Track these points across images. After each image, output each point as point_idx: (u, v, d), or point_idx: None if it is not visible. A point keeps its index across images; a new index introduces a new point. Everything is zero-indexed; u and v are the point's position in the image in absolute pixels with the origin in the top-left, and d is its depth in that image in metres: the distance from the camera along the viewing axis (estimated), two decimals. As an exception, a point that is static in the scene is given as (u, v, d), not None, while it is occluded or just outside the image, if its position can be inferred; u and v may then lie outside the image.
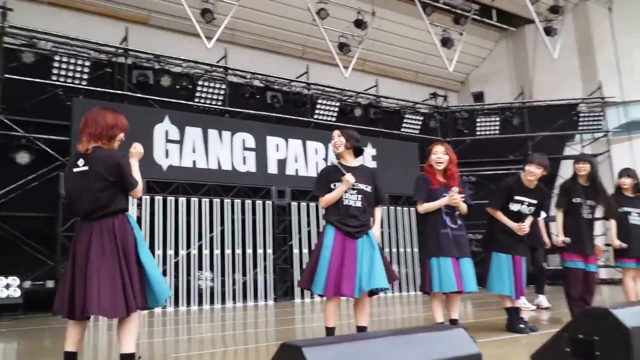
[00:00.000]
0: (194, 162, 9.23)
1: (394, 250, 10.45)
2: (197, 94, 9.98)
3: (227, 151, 9.59)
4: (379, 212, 3.84)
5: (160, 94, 9.72)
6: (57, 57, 8.68)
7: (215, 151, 9.43)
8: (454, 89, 15.40)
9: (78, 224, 3.00)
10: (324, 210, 3.83)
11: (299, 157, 10.25)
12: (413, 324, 5.45)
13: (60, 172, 8.11)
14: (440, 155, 4.01)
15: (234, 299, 8.72)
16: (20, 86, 8.79)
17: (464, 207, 4.03)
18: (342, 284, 3.52)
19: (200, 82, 9.97)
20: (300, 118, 10.97)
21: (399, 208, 10.67)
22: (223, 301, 8.78)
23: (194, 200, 8.82)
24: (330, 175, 3.74)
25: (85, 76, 8.96)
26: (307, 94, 11.08)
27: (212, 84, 10.02)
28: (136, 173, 3.05)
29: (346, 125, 9.30)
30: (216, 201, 8.99)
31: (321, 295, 3.64)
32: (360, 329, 3.70)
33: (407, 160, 11.17)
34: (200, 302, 8.56)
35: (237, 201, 9.11)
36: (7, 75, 8.48)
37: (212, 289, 8.74)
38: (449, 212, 3.98)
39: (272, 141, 9.91)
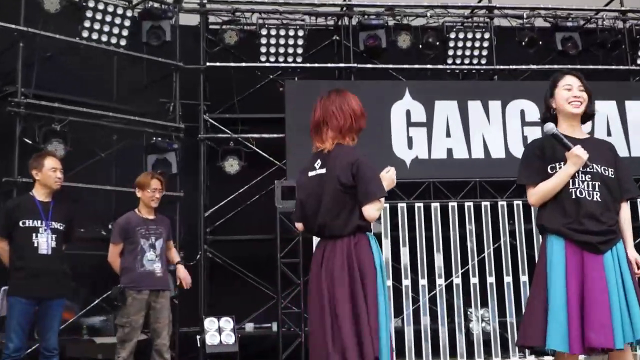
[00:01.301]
0: (450, 151, 9.16)
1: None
2: (450, 53, 9.76)
3: (498, 130, 9.22)
4: (626, 210, 3.57)
5: (396, 60, 9.69)
6: (264, 32, 9.18)
7: (480, 132, 9.23)
8: None
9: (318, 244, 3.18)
10: (535, 211, 3.79)
11: (616, 131, 9.33)
12: None
13: (277, 180, 8.38)
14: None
15: (521, 350, 8.12)
16: (222, 76, 9.44)
17: None
18: (591, 331, 3.22)
19: (452, 35, 9.72)
20: (615, 67, 9.96)
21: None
22: (506, 353, 8.20)
23: (452, 205, 8.47)
24: (546, 151, 3.54)
25: (299, 50, 9.36)
26: (623, 28, 10.04)
27: (470, 35, 9.74)
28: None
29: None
30: (485, 205, 8.50)
31: (554, 353, 3.38)
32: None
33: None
34: (471, 355, 8.13)
35: (517, 203, 8.42)
36: (209, 64, 9.22)
37: (488, 334, 8.30)
38: None
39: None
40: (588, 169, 3.53)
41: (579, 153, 3.50)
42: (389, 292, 7.98)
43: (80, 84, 8.75)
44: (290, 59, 9.35)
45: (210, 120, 9.39)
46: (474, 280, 8.37)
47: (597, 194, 3.51)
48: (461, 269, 8.43)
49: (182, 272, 6.02)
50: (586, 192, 3.52)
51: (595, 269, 3.38)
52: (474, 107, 9.33)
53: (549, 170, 3.60)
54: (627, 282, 3.40)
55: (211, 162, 9.32)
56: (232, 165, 9.19)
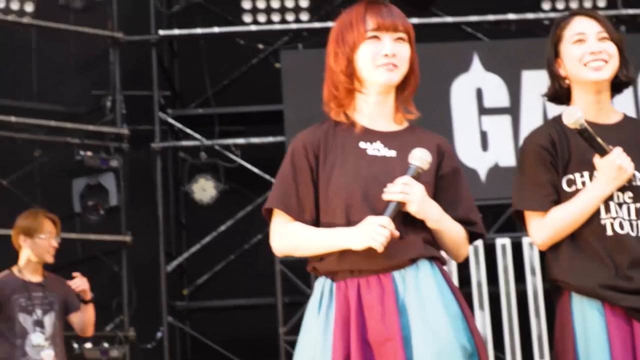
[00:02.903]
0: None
1: None
2: None
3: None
4: None
5: (457, 10, 9.42)
6: None
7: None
8: None
9: None
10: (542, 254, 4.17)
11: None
12: None
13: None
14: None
15: None
16: (187, 50, 9.87)
17: None
18: None
19: None
20: None
21: None
22: None
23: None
24: (559, 150, 3.48)
25: (303, 3, 9.16)
26: None
27: None
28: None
29: None
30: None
31: None
32: None
33: None
34: None
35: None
36: (164, 32, 9.06)
37: None
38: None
39: None
40: (631, 183, 3.42)
41: (621, 164, 3.29)
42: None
43: None
44: (290, 18, 9.09)
45: (170, 120, 9.32)
46: None
47: None
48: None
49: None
50: (628, 223, 3.40)
51: None
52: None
53: (565, 186, 3.43)
54: None
55: (175, 184, 9.52)
56: (205, 190, 9.13)
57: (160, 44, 9.16)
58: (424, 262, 3.03)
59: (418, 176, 2.90)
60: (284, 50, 9.21)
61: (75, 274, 6.00)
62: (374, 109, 3.13)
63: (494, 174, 8.68)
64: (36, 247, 5.88)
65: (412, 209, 2.93)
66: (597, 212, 3.38)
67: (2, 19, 8.31)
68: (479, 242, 8.12)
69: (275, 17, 9.02)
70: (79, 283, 5.92)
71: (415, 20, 8.91)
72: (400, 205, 2.92)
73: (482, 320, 8.09)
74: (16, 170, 8.71)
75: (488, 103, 8.85)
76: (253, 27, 9.05)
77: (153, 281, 8.76)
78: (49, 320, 5.88)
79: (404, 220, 3.01)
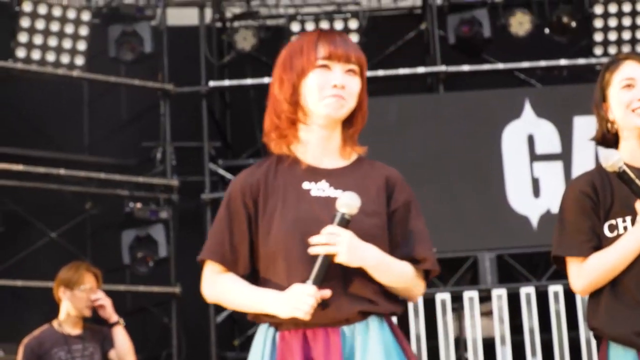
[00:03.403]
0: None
1: None
2: (598, 38, 9.25)
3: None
4: None
5: (509, 56, 9.41)
6: (296, 27, 9.07)
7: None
8: None
9: None
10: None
11: None
12: None
13: None
14: None
15: None
16: (237, 100, 9.64)
17: None
18: None
19: (599, 10, 9.15)
20: None
21: None
22: None
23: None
24: (601, 196, 3.42)
25: None
26: None
27: (628, 8, 9.17)
28: None
29: None
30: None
31: None
32: None
33: None
34: None
35: None
36: (214, 83, 9.08)
37: None
38: None
39: None
40: None
41: None
42: None
43: (21, 129, 9.16)
44: None
45: (221, 171, 9.25)
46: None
47: None
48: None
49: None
50: None
51: None
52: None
53: (607, 232, 3.39)
54: None
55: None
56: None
57: (210, 94, 9.20)
58: (374, 319, 2.87)
59: (346, 224, 2.71)
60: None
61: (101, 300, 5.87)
62: (319, 144, 2.93)
63: (546, 220, 8.56)
64: (75, 300, 5.85)
65: (341, 259, 2.75)
66: (638, 258, 3.31)
67: (52, 73, 8.40)
68: (531, 290, 8.13)
69: None
70: (100, 296, 5.88)
71: (466, 68, 9.17)
72: (329, 257, 2.76)
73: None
74: (65, 222, 8.79)
75: (540, 149, 8.79)
76: None
77: (203, 332, 8.69)
78: None
79: (352, 269, 2.84)
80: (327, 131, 2.89)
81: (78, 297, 5.82)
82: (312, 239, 2.73)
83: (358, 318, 2.85)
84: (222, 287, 2.94)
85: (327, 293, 2.74)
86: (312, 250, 2.75)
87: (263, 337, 2.91)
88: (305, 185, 2.87)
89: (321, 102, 2.81)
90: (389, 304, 2.89)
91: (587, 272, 3.38)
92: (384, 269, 2.82)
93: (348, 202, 2.74)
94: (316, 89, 2.83)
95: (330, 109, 2.84)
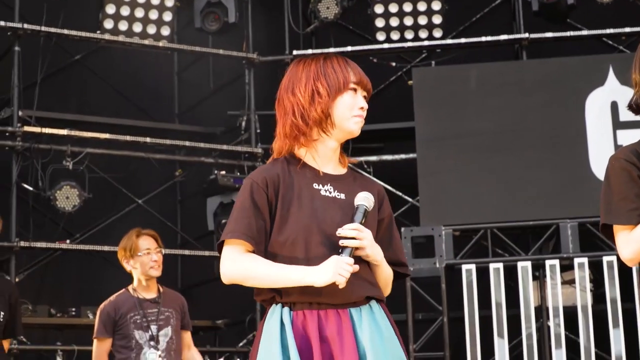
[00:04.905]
0: None
1: None
2: None
3: None
4: None
5: (594, 23, 9.26)
6: None
7: None
8: None
9: None
10: None
11: None
12: None
13: (404, 227, 8.37)
14: None
15: None
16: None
17: None
18: None
19: None
20: None
21: None
22: None
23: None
24: None
25: (436, 20, 9.11)
26: None
27: None
28: None
29: None
30: None
31: None
32: None
33: None
34: None
35: None
36: (298, 52, 8.81)
37: None
38: None
39: None
40: None
41: None
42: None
43: (114, 98, 9.28)
44: (423, 35, 9.09)
45: None
46: None
47: None
48: None
49: None
50: None
51: None
52: None
53: None
54: None
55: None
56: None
57: (294, 63, 9.09)
58: (374, 304, 3.17)
59: (367, 216, 3.04)
60: (416, 68, 9.13)
61: None
62: (328, 153, 3.21)
63: (630, 190, 8.30)
64: (139, 265, 5.85)
65: (364, 253, 3.07)
66: None
67: (139, 43, 8.48)
68: (613, 258, 8.01)
69: (409, 35, 9.02)
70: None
71: (549, 35, 9.02)
72: (354, 249, 3.06)
73: (616, 338, 7.97)
74: (153, 190, 8.90)
75: (623, 117, 8.61)
76: (386, 45, 9.05)
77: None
78: (163, 336, 5.87)
79: (357, 261, 3.10)
80: (337, 143, 3.18)
81: (140, 262, 5.83)
82: (341, 231, 3.03)
83: (364, 302, 3.14)
84: (248, 263, 3.09)
85: (357, 268, 3.03)
86: (342, 243, 3.04)
87: (278, 316, 3.10)
88: (315, 185, 3.15)
89: (349, 120, 3.13)
90: (382, 292, 3.22)
91: (634, 241, 3.36)
92: (385, 266, 3.18)
93: (367, 197, 3.09)
94: (347, 108, 3.14)
95: (357, 127, 3.17)
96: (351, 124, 3.14)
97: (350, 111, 3.18)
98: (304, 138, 3.17)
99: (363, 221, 3.07)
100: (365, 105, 3.20)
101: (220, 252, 3.09)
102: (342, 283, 3.00)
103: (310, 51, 8.99)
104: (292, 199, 3.10)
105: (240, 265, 3.10)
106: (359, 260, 3.10)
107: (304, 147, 3.20)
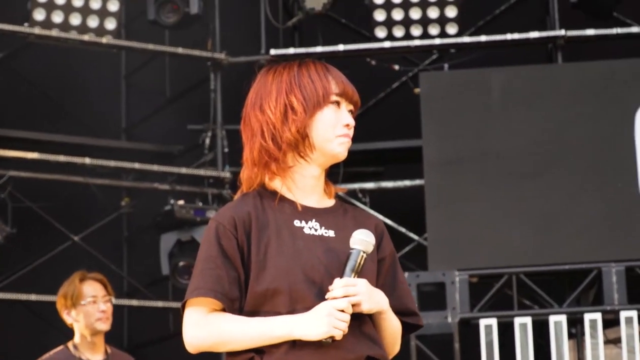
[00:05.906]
0: None
1: None
2: None
3: None
4: None
5: None
6: None
7: None
8: None
9: None
10: None
11: None
12: None
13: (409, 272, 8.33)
14: None
15: None
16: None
17: None
18: None
19: None
20: None
21: None
22: None
23: None
24: None
25: (450, 12, 8.57)
26: None
27: None
28: None
29: None
30: None
31: None
32: None
33: None
34: None
35: None
36: (276, 51, 8.45)
37: None
38: None
39: None
40: None
41: None
42: None
43: (45, 108, 8.87)
44: (433, 31, 8.53)
45: None
46: None
47: None
48: None
49: None
50: None
51: None
52: None
53: None
54: None
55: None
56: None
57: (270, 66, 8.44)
58: None
59: (363, 262, 2.82)
60: (424, 72, 8.67)
61: None
62: (309, 182, 2.95)
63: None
64: (82, 317, 5.44)
65: (363, 308, 2.86)
66: None
67: (77, 39, 7.96)
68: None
69: (416, 31, 8.54)
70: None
71: (591, 32, 8.58)
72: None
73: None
74: (93, 224, 8.47)
75: (679, 134, 8.50)
76: (387, 44, 8.55)
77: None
78: None
79: (354, 314, 2.95)
80: (320, 170, 2.95)
81: (84, 312, 5.47)
82: (329, 295, 2.88)
83: None
84: (219, 325, 2.90)
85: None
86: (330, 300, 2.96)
87: None
88: (297, 222, 2.96)
89: (333, 141, 2.90)
90: (386, 352, 3.06)
91: None
92: (391, 316, 3.00)
93: (364, 239, 2.88)
94: (329, 126, 2.92)
95: (343, 148, 2.97)
96: (334, 146, 2.89)
97: (332, 130, 2.91)
98: (276, 165, 2.90)
99: (359, 269, 2.85)
100: (352, 122, 2.94)
101: (182, 309, 2.98)
102: (339, 335, 2.87)
103: (292, 50, 8.59)
104: (270, 241, 2.89)
105: (209, 329, 2.90)
106: (361, 314, 2.91)
107: (278, 176, 2.94)
